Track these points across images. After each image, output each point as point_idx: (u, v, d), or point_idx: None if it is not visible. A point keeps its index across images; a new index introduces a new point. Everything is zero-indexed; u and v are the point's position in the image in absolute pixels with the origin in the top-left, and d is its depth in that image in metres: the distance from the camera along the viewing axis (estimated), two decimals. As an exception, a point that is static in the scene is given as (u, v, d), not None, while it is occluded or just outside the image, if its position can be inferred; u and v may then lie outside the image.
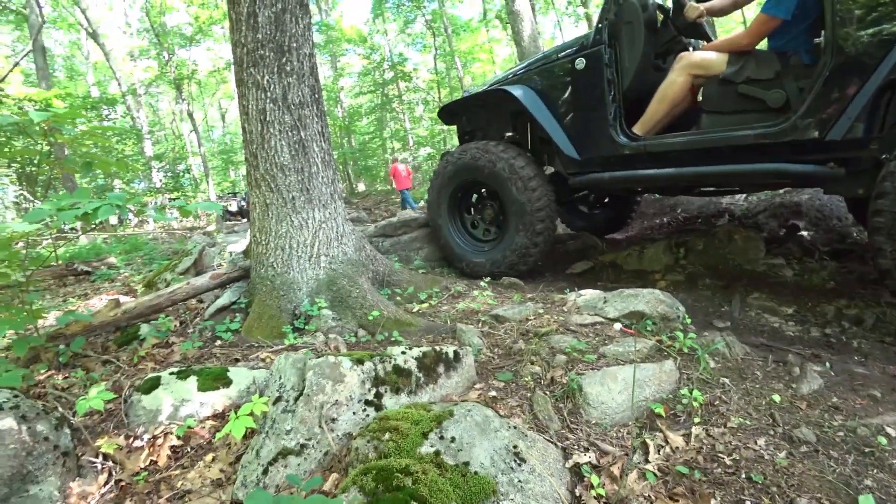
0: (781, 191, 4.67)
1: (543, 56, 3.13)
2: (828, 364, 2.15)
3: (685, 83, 2.55)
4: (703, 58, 2.50)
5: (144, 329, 2.44)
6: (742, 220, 4.22)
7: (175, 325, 2.50)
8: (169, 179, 15.00)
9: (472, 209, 3.53)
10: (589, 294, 2.48)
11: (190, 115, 17.48)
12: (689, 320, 2.26)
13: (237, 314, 2.48)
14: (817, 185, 2.53)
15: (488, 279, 2.96)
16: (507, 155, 3.00)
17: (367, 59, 18.04)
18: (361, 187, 14.51)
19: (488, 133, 3.36)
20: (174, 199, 16.86)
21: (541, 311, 2.44)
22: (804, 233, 3.93)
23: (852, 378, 2.07)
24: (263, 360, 2.10)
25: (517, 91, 2.97)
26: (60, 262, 6.17)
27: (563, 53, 2.93)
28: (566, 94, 2.84)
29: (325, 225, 2.48)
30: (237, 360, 2.13)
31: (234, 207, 15.97)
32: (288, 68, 2.40)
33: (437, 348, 1.82)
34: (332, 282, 2.44)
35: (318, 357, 1.62)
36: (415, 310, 2.54)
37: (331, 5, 21.05)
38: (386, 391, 1.61)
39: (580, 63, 2.76)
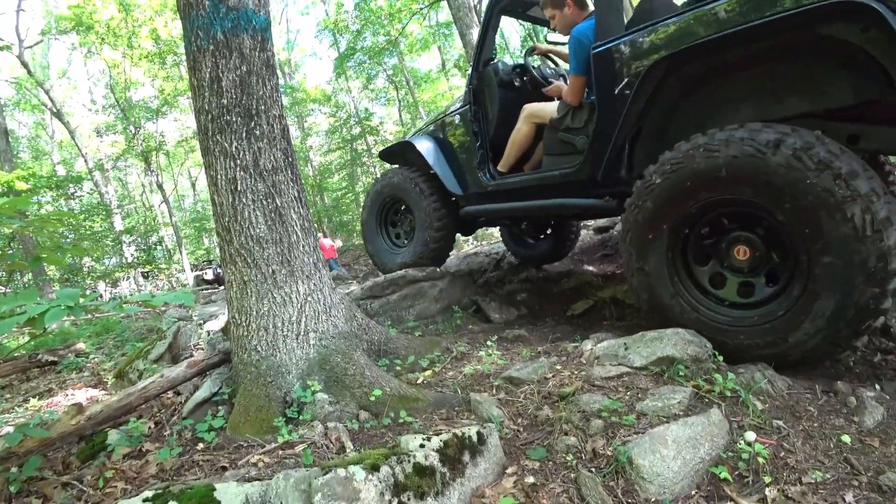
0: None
1: (440, 112, 3.79)
2: (878, 387, 1.94)
3: (529, 130, 2.99)
4: (540, 108, 2.92)
5: (113, 437, 2.06)
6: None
7: (149, 428, 2.13)
8: (141, 253, 14.41)
9: (395, 223, 4.11)
10: (606, 342, 2.24)
11: (159, 186, 17.07)
12: (720, 357, 2.03)
13: (220, 407, 2.14)
14: (603, 216, 3.32)
15: (495, 338, 2.64)
16: (418, 179, 3.60)
17: (334, 117, 18.15)
18: (339, 243, 14.27)
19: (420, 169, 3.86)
20: (147, 272, 16.18)
21: (557, 366, 2.17)
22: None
23: (903, 398, 1.86)
24: (255, 464, 1.75)
25: (417, 141, 3.62)
26: (23, 351, 5.62)
27: (450, 110, 3.53)
28: (452, 142, 3.43)
29: (311, 298, 2.19)
30: (224, 469, 1.78)
31: (209, 275, 15.40)
32: (257, 133, 2.17)
33: (459, 433, 1.52)
34: (324, 360, 2.14)
35: (322, 465, 1.31)
36: (419, 380, 2.24)
37: (294, 68, 21.35)
38: (409, 499, 1.30)
39: (456, 118, 3.37)
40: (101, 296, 17.13)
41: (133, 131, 15.61)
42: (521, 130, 3.01)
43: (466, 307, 3.65)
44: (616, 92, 2.24)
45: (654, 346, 2.02)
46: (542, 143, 2.98)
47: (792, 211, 1.73)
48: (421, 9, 13.42)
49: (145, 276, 16.24)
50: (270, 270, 2.11)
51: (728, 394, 1.80)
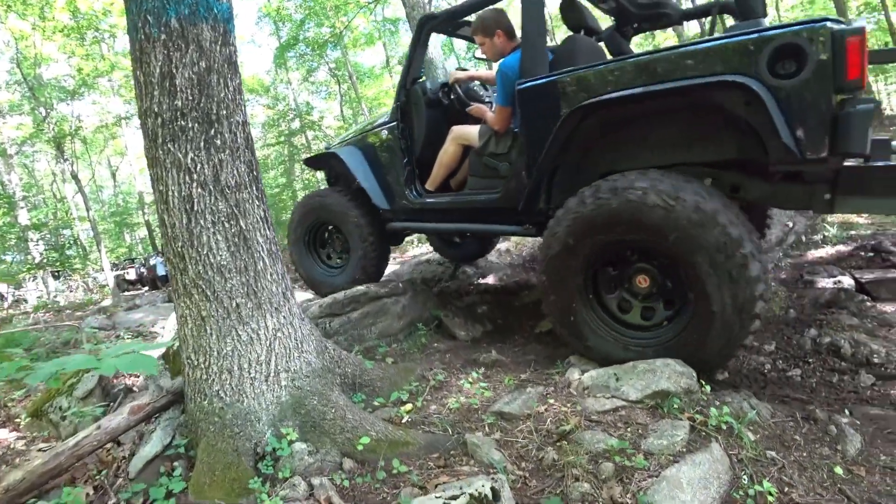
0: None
1: (368, 123, 3.64)
2: (848, 412, 2.00)
3: (456, 151, 3.00)
4: (466, 131, 2.91)
5: (38, 510, 1.69)
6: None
7: (88, 496, 1.75)
8: (51, 250, 12.77)
9: (325, 243, 3.92)
10: (594, 371, 2.14)
11: (74, 175, 15.26)
12: (708, 388, 2.00)
13: (176, 464, 1.80)
14: None
15: (481, 370, 2.45)
16: (343, 199, 3.45)
17: (272, 110, 17.14)
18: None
19: (345, 179, 3.72)
20: (58, 273, 14.42)
21: (549, 399, 2.04)
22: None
23: (875, 423, 1.92)
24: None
25: (343, 152, 3.46)
26: None
27: (377, 124, 3.41)
28: (378, 157, 3.34)
29: (281, 333, 1.91)
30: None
31: (132, 275, 13.99)
32: (218, 142, 1.84)
33: (473, 492, 1.35)
34: (298, 403, 1.86)
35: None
36: (403, 419, 2.03)
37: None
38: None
39: (384, 134, 3.27)
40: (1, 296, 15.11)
41: (43, 113, 13.76)
42: (447, 151, 3.02)
43: (429, 322, 3.46)
44: (536, 129, 2.33)
45: (647, 378, 1.95)
46: (467, 163, 3.00)
47: (671, 246, 1.94)
48: (368, 3, 12.92)
49: (56, 276, 14.48)
50: (234, 304, 1.80)
51: (723, 426, 1.77)
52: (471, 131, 2.88)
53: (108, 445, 2.18)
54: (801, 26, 1.69)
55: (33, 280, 14.50)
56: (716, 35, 1.97)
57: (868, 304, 2.93)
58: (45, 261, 12.15)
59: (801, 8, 16.17)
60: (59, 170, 18.35)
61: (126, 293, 13.03)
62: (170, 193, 1.80)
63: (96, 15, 12.56)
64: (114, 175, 23.91)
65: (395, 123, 3.18)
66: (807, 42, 1.66)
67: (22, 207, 13.33)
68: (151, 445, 1.87)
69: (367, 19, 15.66)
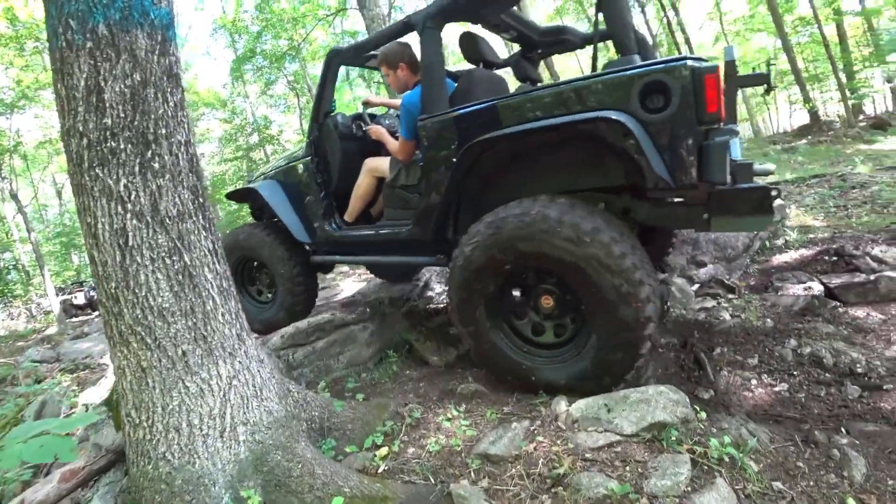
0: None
1: (288, 156, 3.58)
2: (845, 430, 1.92)
3: (370, 183, 3.04)
4: (378, 164, 2.96)
5: None
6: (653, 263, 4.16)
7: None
8: (-12, 276, 11.73)
9: (253, 279, 3.83)
10: (582, 401, 1.98)
11: (13, 195, 14.16)
12: (703, 414, 1.88)
13: (112, 542, 1.52)
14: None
15: (461, 407, 2.23)
16: (263, 234, 3.40)
17: (229, 124, 16.52)
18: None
19: (269, 213, 3.63)
20: (-2, 299, 13.28)
21: (536, 434, 1.87)
22: (710, 267, 3.98)
23: (874, 442, 1.84)
24: None
25: (263, 187, 3.42)
26: None
27: (293, 158, 3.39)
28: (297, 191, 3.32)
29: (237, 380, 1.66)
30: None
31: (80, 300, 13.01)
32: (156, 166, 1.59)
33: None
34: (260, 460, 1.62)
35: None
36: (380, 468, 1.80)
37: (184, 66, 19.07)
38: None
39: (300, 168, 3.26)
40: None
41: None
42: (362, 184, 3.06)
43: (399, 348, 3.24)
44: (439, 163, 2.38)
45: (641, 409, 1.81)
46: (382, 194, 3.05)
47: (561, 265, 2.00)
48: (327, 15, 12.66)
49: (-6, 303, 13.35)
50: (180, 352, 1.55)
51: (725, 458, 1.64)
52: (383, 163, 2.92)
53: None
54: (665, 65, 1.81)
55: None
56: (595, 73, 2.08)
57: (840, 309, 2.92)
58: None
59: (743, 22, 17.02)
60: (-3, 189, 17.02)
61: (74, 319, 12.12)
62: (99, 226, 1.53)
63: (37, 24, 11.74)
64: (59, 193, 22.25)
65: (309, 158, 3.19)
66: (670, 79, 1.78)
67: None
68: (85, 520, 1.58)
69: (325, 32, 15.37)
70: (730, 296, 3.37)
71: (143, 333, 1.53)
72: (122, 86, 1.56)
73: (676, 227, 2.30)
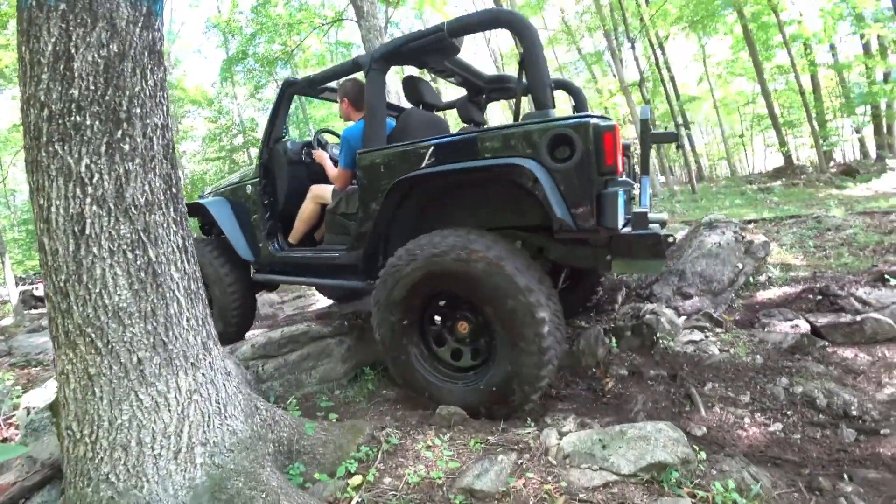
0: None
1: (235, 177, 3.66)
2: (847, 476, 1.82)
3: (314, 208, 3.14)
4: (322, 191, 3.07)
5: None
6: (639, 292, 4.10)
7: None
8: (-58, 261, 10.97)
9: None
10: (574, 435, 1.84)
11: (-23, 179, 13.42)
12: (703, 455, 1.76)
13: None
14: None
15: (444, 435, 2.04)
16: (205, 251, 3.40)
17: (214, 123, 16.14)
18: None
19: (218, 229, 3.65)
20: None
21: (525, 469, 1.71)
22: (696, 299, 3.93)
23: (877, 490, 1.75)
24: None
25: (211, 203, 3.48)
26: None
27: (243, 179, 3.47)
28: (244, 210, 3.40)
29: (199, 395, 1.46)
30: None
31: (41, 291, 12.29)
32: (126, 147, 1.41)
33: None
34: (218, 487, 1.41)
35: None
36: (353, 500, 1.61)
37: (174, 63, 18.68)
38: None
39: (248, 189, 3.35)
40: None
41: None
42: (306, 208, 3.17)
43: (376, 365, 3.06)
44: (373, 194, 2.49)
45: (639, 447, 1.67)
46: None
47: (469, 291, 2.13)
48: (322, 24, 12.57)
49: (-53, 291, 12.49)
50: (135, 359, 1.35)
51: (729, 504, 1.52)
52: (326, 191, 3.05)
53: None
54: (571, 121, 1.97)
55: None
56: (513, 123, 2.25)
57: (829, 349, 2.87)
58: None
59: (726, 65, 17.67)
60: (-38, 172, 16.18)
61: (33, 311, 11.42)
62: (53, 209, 1.34)
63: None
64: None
65: (258, 179, 3.26)
66: (575, 134, 1.93)
67: None
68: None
69: (320, 40, 15.27)
70: (717, 329, 3.30)
71: (93, 335, 1.32)
72: (96, 55, 1.39)
73: (584, 266, 2.34)
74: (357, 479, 1.73)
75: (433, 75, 3.68)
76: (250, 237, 3.35)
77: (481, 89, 3.29)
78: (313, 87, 3.14)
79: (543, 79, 2.15)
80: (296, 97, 3.50)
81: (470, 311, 2.30)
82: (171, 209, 1.49)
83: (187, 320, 1.46)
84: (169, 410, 1.39)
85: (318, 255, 2.96)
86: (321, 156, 3.16)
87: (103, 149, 1.36)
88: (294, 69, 16.88)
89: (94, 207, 1.33)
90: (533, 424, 2.10)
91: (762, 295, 4.02)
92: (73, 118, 1.36)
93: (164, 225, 1.45)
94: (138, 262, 1.37)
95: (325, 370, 2.91)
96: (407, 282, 2.24)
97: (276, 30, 13.94)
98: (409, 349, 2.36)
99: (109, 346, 1.33)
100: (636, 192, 2.70)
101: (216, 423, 1.48)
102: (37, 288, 12.72)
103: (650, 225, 2.13)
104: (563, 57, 20.95)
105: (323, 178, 3.22)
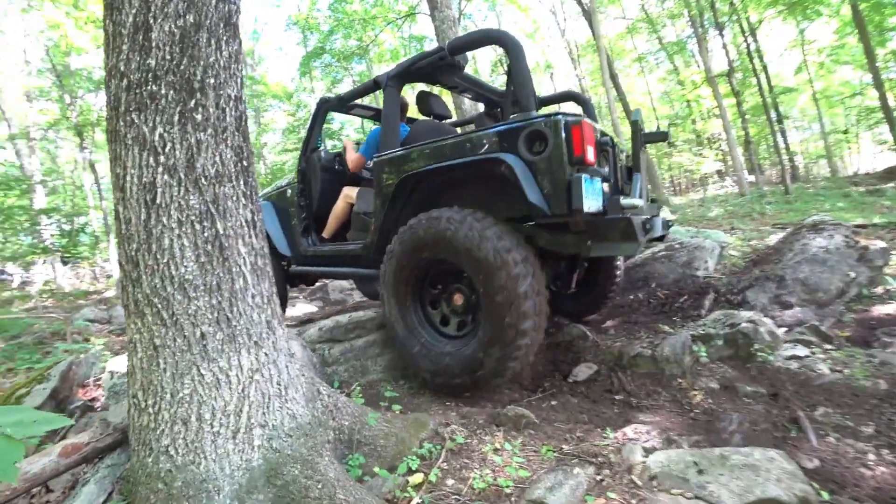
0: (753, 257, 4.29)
1: (279, 182, 4.06)
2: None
3: (344, 207, 3.46)
4: (351, 192, 3.40)
5: None
6: (729, 298, 3.67)
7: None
8: (60, 236, 12.36)
9: None
10: (662, 453, 1.60)
11: (91, 165, 14.96)
12: (825, 495, 1.45)
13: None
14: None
15: (516, 441, 1.89)
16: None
17: (293, 116, 16.87)
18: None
19: None
20: (67, 259, 14.04)
21: (605, 487, 1.50)
22: (797, 309, 3.45)
23: None
24: None
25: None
26: None
27: (284, 183, 3.87)
28: (285, 211, 3.77)
29: (261, 375, 1.39)
30: None
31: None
32: (199, 117, 1.36)
33: None
34: (274, 472, 1.34)
35: None
36: (412, 500, 1.49)
37: (257, 60, 19.77)
38: None
39: (288, 191, 3.74)
40: (10, 277, 14.74)
41: (69, 101, 13.51)
42: (338, 207, 3.49)
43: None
44: (385, 191, 2.72)
45: (746, 478, 1.40)
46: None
47: (459, 259, 2.27)
48: (396, 19, 12.66)
49: (65, 262, 14.07)
50: (198, 333, 1.30)
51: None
52: (354, 192, 3.37)
53: (35, 490, 1.68)
54: (542, 118, 2.18)
55: (43, 263, 14.10)
56: (498, 124, 2.42)
57: (973, 380, 2.36)
58: (53, 245, 11.75)
59: (829, 53, 15.74)
60: (81, 158, 18.15)
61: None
62: (128, 178, 1.31)
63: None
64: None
65: (296, 183, 3.66)
66: (546, 128, 2.14)
67: (36, 190, 13.03)
68: (85, 496, 1.36)
69: (393, 35, 15.45)
70: (826, 346, 2.85)
71: (159, 306, 1.29)
72: (173, 25, 1.35)
73: (568, 252, 2.43)
74: (418, 478, 1.60)
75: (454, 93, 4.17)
76: (289, 235, 3.71)
77: (495, 103, 3.59)
78: (343, 104, 3.54)
79: (526, 87, 2.37)
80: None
81: (466, 285, 2.46)
82: (241, 182, 1.43)
83: (252, 297, 1.40)
84: (230, 388, 1.33)
85: (342, 249, 3.27)
86: (347, 144, 3.60)
87: (176, 118, 1.32)
88: (369, 64, 17.25)
89: (166, 177, 1.29)
90: (612, 435, 1.88)
91: (880, 310, 3.44)
92: (149, 87, 1.33)
93: (234, 198, 1.39)
94: (206, 235, 1.32)
95: (391, 358, 2.83)
96: (409, 251, 2.43)
97: (352, 26, 14.26)
98: (410, 315, 2.55)
99: (174, 318, 1.29)
100: (629, 187, 2.81)
101: (276, 406, 1.41)
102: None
103: (638, 212, 2.32)
104: (642, 47, 19.73)
105: (353, 182, 3.65)
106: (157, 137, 1.29)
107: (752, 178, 14.59)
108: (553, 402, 2.39)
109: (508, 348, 2.15)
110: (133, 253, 1.31)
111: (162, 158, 1.29)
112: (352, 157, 3.37)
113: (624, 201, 2.25)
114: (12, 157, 14.84)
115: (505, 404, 2.37)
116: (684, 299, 3.70)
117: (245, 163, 1.46)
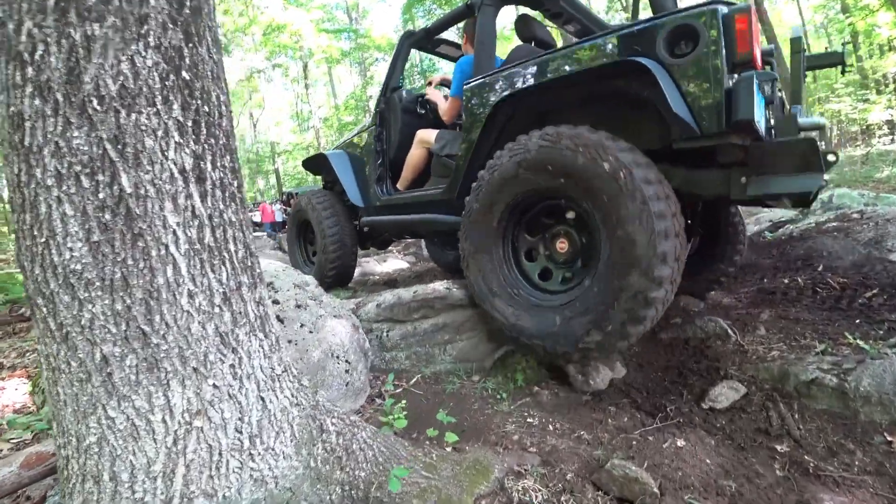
0: None
1: (356, 128, 3.84)
2: None
3: (421, 153, 3.09)
4: (428, 135, 3.00)
5: None
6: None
7: None
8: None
9: (311, 241, 3.97)
10: None
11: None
12: None
13: None
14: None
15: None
16: (314, 201, 3.61)
17: (396, 67, 16.57)
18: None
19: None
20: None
21: None
22: None
23: None
24: None
25: (332, 155, 3.61)
26: None
27: (361, 128, 3.60)
28: (359, 158, 3.50)
29: (205, 420, 0.88)
30: None
31: (257, 218, 14.42)
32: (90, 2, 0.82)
33: None
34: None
35: None
36: None
37: (361, 13, 19.58)
38: None
39: (364, 136, 3.47)
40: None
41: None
42: (413, 153, 3.13)
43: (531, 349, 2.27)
44: (475, 122, 2.38)
45: None
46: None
47: (585, 192, 1.80)
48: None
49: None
50: (97, 355, 0.81)
51: None
52: (431, 135, 2.98)
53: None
54: (694, 10, 1.71)
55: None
56: (622, 25, 1.98)
57: None
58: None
59: None
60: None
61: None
62: None
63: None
64: (255, 126, 25.57)
65: (374, 127, 3.34)
66: (698, 23, 1.68)
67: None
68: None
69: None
70: None
71: (45, 311, 0.82)
72: None
73: (712, 194, 1.86)
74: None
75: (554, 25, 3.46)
76: (362, 184, 3.44)
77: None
78: (430, 37, 3.20)
79: None
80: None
81: (568, 220, 2.04)
82: (175, 106, 0.87)
83: (189, 296, 0.87)
84: (154, 440, 0.85)
85: (420, 195, 2.96)
86: (434, 93, 3.22)
87: (52, 2, 0.78)
88: (471, 7, 16.04)
89: (37, 101, 0.78)
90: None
91: None
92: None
93: (157, 132, 0.84)
94: (101, 195, 0.80)
95: (464, 347, 2.26)
96: (508, 179, 1.98)
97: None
98: (505, 270, 2.11)
99: (64, 331, 0.82)
100: None
101: (234, 466, 0.91)
102: (253, 215, 15.07)
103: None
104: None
105: (434, 126, 3.23)
106: (23, 37, 0.78)
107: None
108: (679, 443, 1.62)
109: (637, 301, 1.65)
110: (17, 228, 0.85)
111: (30, 71, 0.78)
112: (444, 107, 2.89)
113: (802, 120, 1.77)
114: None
115: (609, 432, 1.68)
116: (874, 294, 2.52)
117: (187, 75, 0.90)
